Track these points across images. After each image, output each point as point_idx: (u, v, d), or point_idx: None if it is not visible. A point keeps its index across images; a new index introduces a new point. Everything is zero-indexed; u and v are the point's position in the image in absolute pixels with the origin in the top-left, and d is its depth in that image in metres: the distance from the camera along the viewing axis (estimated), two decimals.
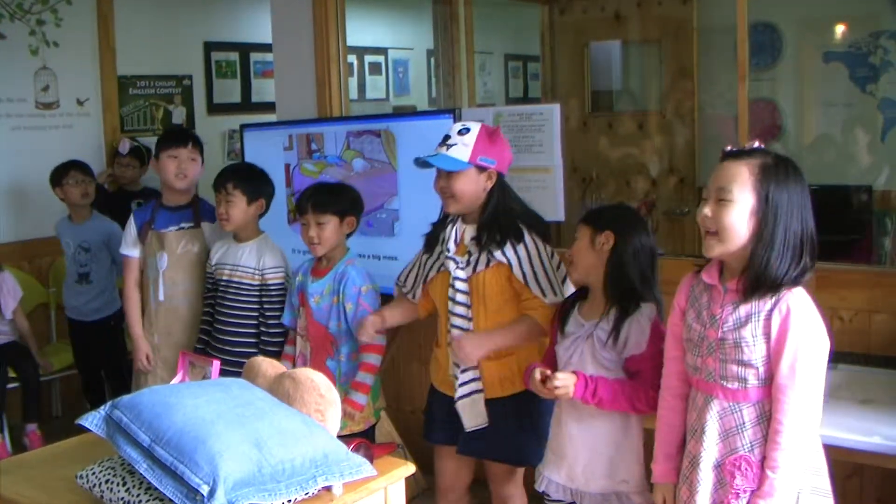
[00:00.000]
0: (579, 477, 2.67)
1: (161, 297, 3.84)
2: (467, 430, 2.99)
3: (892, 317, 3.20)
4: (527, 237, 2.92)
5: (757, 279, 2.11)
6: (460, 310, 2.96)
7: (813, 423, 2.14)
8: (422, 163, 2.99)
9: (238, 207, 3.64)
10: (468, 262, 2.95)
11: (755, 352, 2.14)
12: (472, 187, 2.93)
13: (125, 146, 5.64)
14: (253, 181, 3.72)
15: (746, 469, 2.17)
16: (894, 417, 2.61)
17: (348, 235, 3.43)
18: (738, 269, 2.18)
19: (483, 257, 2.92)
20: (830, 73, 5.08)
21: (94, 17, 5.90)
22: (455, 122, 3.68)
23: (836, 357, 3.07)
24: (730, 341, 2.16)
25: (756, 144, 2.21)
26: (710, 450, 2.22)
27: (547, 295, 2.89)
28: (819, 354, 2.13)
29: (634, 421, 2.65)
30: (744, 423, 2.18)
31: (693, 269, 2.35)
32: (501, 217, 2.94)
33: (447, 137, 2.94)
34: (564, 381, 2.56)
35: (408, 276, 3.25)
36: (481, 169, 2.92)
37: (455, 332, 2.95)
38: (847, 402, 2.74)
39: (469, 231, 2.98)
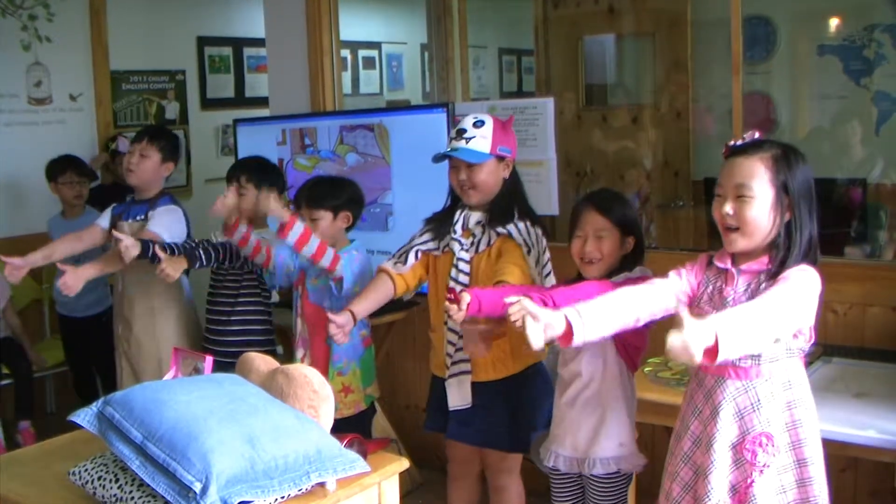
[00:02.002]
0: (584, 445, 2.72)
1: (120, 288, 3.94)
2: (450, 409, 3.02)
3: (886, 310, 3.20)
4: (529, 222, 2.98)
5: (788, 264, 2.16)
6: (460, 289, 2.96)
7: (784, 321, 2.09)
8: (440, 157, 3.02)
9: (249, 200, 3.65)
10: (472, 244, 2.99)
11: None
12: (493, 178, 2.98)
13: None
14: (267, 175, 3.74)
15: (767, 444, 2.19)
16: (888, 411, 2.61)
17: (348, 229, 3.42)
18: (755, 254, 2.22)
19: (485, 238, 2.97)
20: (825, 67, 5.08)
21: (87, 13, 5.89)
22: (448, 116, 3.69)
23: (831, 350, 3.08)
24: None
25: (756, 135, 2.24)
26: (724, 430, 2.23)
27: (535, 269, 2.93)
28: (810, 288, 2.12)
29: (628, 386, 2.72)
30: (759, 401, 2.20)
31: (708, 253, 2.38)
32: (512, 200, 3.01)
33: (463, 131, 2.97)
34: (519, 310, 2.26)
35: (404, 251, 3.19)
36: (500, 158, 2.98)
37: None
38: (841, 396, 2.74)
39: (474, 216, 3.02)
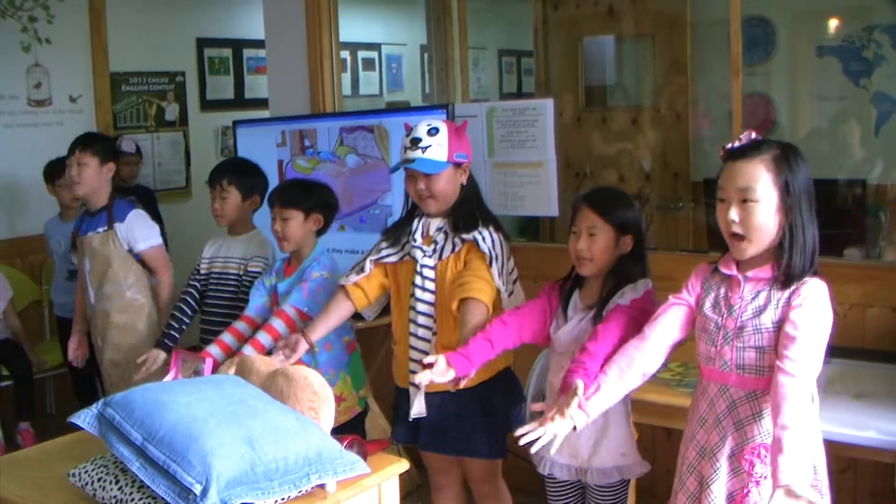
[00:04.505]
0: (583, 454, 2.71)
1: (92, 301, 3.94)
2: (410, 418, 2.99)
3: (886, 311, 3.20)
4: (492, 228, 2.96)
5: (794, 266, 2.16)
6: (427, 296, 2.95)
7: (813, 380, 2.15)
8: (397, 169, 3.01)
9: (232, 203, 3.67)
10: (434, 251, 2.96)
11: (774, 338, 2.17)
12: (451, 186, 2.96)
13: (131, 145, 5.64)
14: (248, 177, 3.74)
15: (766, 456, 2.17)
16: (888, 411, 2.61)
17: (320, 233, 3.41)
18: (760, 259, 2.21)
19: (449, 245, 2.94)
20: (824, 68, 5.08)
21: (86, 14, 5.89)
22: (448, 117, 3.69)
23: (830, 351, 3.06)
24: (749, 329, 2.19)
25: (753, 135, 2.23)
26: (725, 439, 2.24)
27: (501, 278, 2.90)
28: (824, 328, 2.15)
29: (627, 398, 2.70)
30: (760, 412, 2.20)
31: (707, 262, 2.38)
32: (473, 206, 2.99)
33: (417, 140, 2.93)
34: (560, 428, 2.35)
35: (360, 262, 3.16)
36: (457, 165, 2.95)
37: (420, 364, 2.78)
38: (841, 397, 2.74)
39: (434, 223, 3.00)
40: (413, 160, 2.91)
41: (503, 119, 3.86)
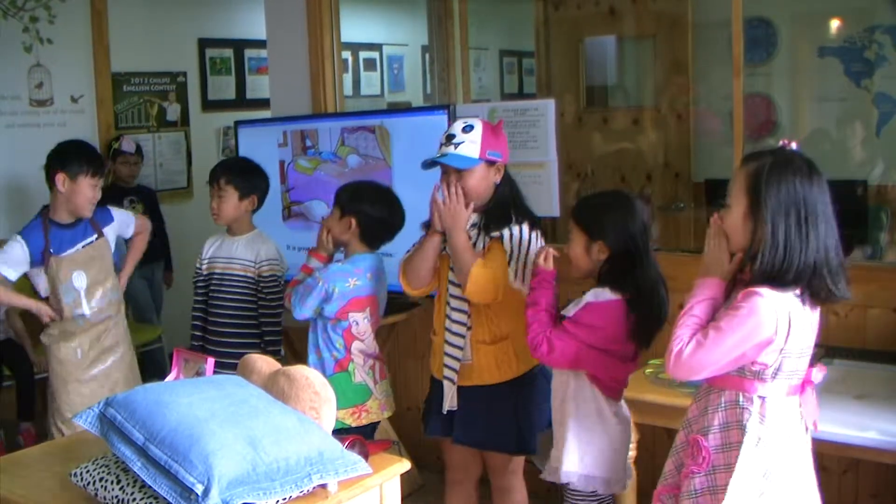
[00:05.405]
0: (566, 461, 2.74)
1: (87, 313, 3.67)
2: (445, 411, 3.04)
3: (887, 312, 3.20)
4: (525, 225, 2.97)
5: (755, 273, 2.14)
6: (460, 291, 2.97)
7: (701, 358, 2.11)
8: (430, 164, 3.01)
9: (229, 203, 3.65)
10: None
11: None
12: (483, 183, 2.97)
13: (131, 145, 5.63)
14: (246, 176, 3.71)
15: (696, 452, 2.20)
16: (889, 412, 2.62)
17: (369, 241, 3.34)
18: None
19: (480, 241, 2.96)
20: (825, 68, 5.08)
21: (88, 14, 5.89)
22: (449, 117, 3.69)
23: (832, 352, 3.08)
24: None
25: (782, 143, 2.22)
26: (682, 430, 2.30)
27: (516, 278, 2.92)
28: (737, 331, 2.09)
29: (605, 411, 2.71)
30: (706, 407, 2.22)
31: None
32: (508, 205, 3.00)
33: (452, 136, 2.95)
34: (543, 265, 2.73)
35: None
36: (490, 163, 2.96)
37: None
38: (842, 398, 2.74)
39: (471, 218, 3.00)
40: (445, 155, 2.93)
41: (504, 119, 3.84)
